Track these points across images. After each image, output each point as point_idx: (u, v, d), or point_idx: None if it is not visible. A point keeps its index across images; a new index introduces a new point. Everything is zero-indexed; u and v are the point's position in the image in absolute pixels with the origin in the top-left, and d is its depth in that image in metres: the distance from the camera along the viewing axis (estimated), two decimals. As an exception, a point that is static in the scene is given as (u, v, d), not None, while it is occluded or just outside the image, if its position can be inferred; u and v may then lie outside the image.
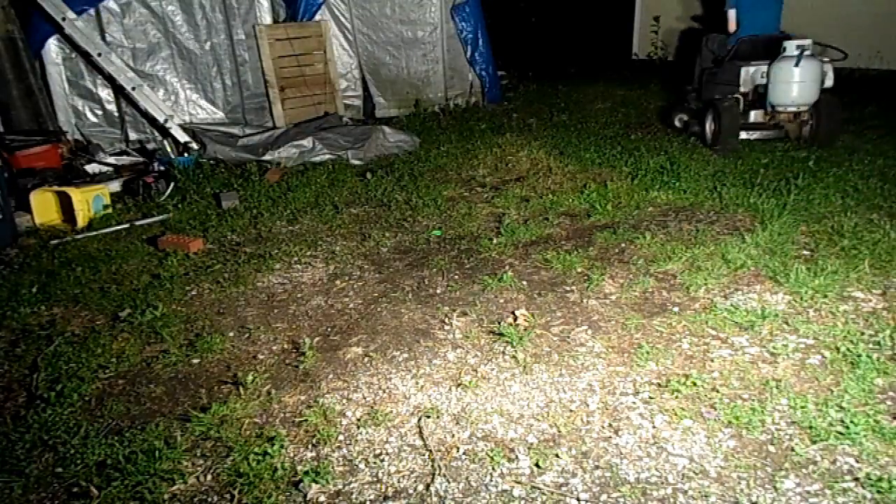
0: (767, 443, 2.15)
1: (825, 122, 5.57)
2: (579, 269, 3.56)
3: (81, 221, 4.70)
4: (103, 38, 6.40)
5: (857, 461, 2.04)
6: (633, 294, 3.24)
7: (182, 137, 6.33)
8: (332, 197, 5.09)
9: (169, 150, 6.36)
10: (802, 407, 2.28)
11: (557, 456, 2.15)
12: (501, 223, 4.31)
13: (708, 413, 2.31)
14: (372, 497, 2.04)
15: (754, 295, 3.14)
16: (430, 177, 5.55)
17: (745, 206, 4.27)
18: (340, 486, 2.08)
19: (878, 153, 5.30)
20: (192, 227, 4.60)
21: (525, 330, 2.93)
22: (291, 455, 2.23)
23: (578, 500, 1.97)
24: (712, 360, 2.63)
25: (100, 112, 6.62)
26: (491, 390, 2.53)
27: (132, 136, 6.76)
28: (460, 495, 2.01)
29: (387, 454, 2.22)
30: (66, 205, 4.83)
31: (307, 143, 6.18)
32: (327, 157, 6.11)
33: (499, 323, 3.01)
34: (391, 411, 2.44)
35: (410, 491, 2.05)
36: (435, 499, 2.01)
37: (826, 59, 5.58)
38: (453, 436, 2.29)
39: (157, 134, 6.66)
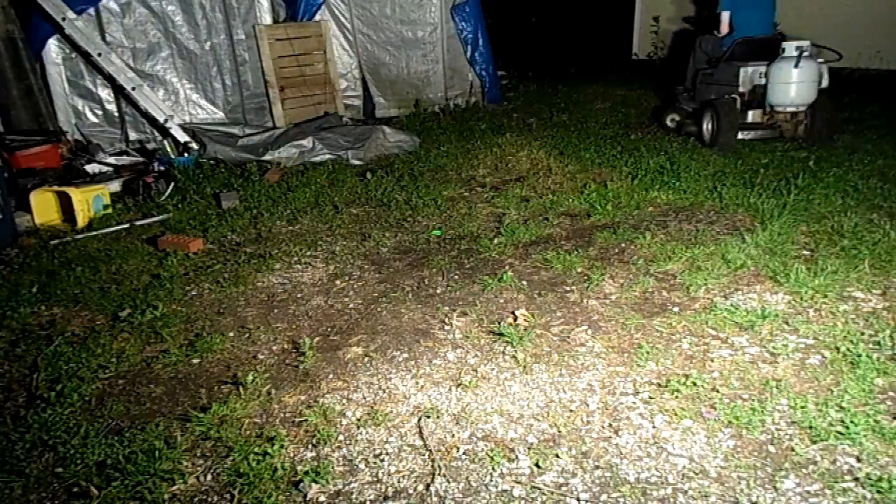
0: (767, 443, 2.15)
1: (820, 121, 5.66)
2: (579, 269, 3.56)
3: (81, 221, 4.70)
4: (103, 38, 6.40)
5: (858, 461, 2.04)
6: (633, 294, 3.24)
7: (182, 137, 6.33)
8: (332, 197, 5.09)
9: (169, 150, 6.36)
10: (802, 407, 2.28)
11: (557, 456, 2.15)
12: (501, 223, 4.31)
13: (708, 413, 2.31)
14: (372, 497, 2.04)
15: (754, 295, 3.14)
16: (430, 177, 5.55)
17: (745, 206, 4.27)
18: (340, 486, 2.08)
19: (878, 153, 5.30)
20: (192, 227, 4.60)
21: (525, 330, 2.93)
22: (291, 455, 2.23)
23: (578, 500, 1.97)
24: (712, 360, 2.63)
25: (100, 112, 6.62)
26: (491, 390, 2.53)
27: (132, 136, 6.77)
28: (460, 495, 2.01)
29: (387, 454, 2.22)
30: (66, 205, 4.83)
31: (307, 143, 6.18)
32: (327, 157, 6.11)
33: (499, 323, 3.01)
34: (391, 411, 2.44)
35: (410, 491, 2.05)
36: (435, 499, 2.01)
37: (822, 60, 5.65)
38: (453, 436, 2.28)
39: (157, 134, 6.67)
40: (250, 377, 2.65)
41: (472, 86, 8.78)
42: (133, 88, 6.30)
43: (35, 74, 6.14)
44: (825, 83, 5.62)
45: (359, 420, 2.39)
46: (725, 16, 6.28)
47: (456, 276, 3.60)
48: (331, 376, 2.69)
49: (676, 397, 2.40)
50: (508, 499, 1.98)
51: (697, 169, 5.15)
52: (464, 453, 2.19)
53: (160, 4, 6.68)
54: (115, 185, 5.50)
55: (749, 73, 5.79)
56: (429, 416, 2.38)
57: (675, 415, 2.31)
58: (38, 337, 3.15)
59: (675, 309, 3.07)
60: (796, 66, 5.34)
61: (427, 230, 4.34)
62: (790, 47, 5.41)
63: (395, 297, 3.39)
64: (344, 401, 2.52)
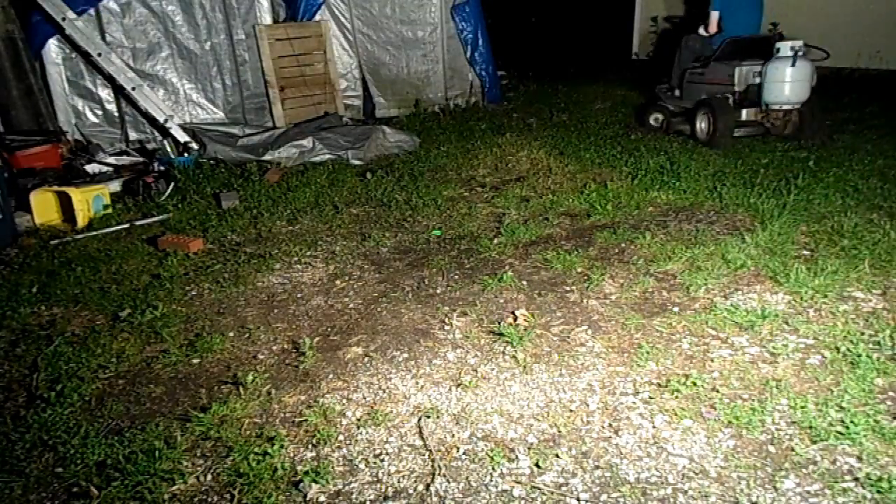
0: (767, 443, 2.15)
1: (810, 119, 5.79)
2: (579, 269, 3.56)
3: (81, 221, 4.70)
4: (103, 38, 6.40)
5: (858, 461, 2.04)
6: (633, 294, 3.24)
7: (182, 137, 6.33)
8: (332, 197, 5.10)
9: (169, 150, 6.36)
10: (802, 407, 2.28)
11: (557, 456, 2.15)
12: (501, 223, 4.31)
13: (708, 413, 2.31)
14: (372, 497, 2.04)
15: (754, 295, 3.14)
16: (430, 177, 5.55)
17: (745, 206, 4.27)
18: (340, 486, 2.08)
19: (878, 153, 5.30)
20: (192, 227, 4.60)
21: (525, 330, 2.93)
22: (291, 455, 2.23)
23: (578, 500, 1.97)
24: (712, 360, 2.63)
25: (100, 112, 6.63)
26: (491, 390, 2.53)
27: (132, 136, 6.77)
28: (460, 495, 2.01)
29: (387, 454, 2.21)
30: (66, 205, 4.83)
31: (307, 143, 6.18)
32: (327, 157, 6.11)
33: (499, 323, 3.01)
34: (391, 411, 2.44)
35: (410, 491, 2.05)
36: (435, 499, 2.01)
37: (811, 59, 5.73)
38: (453, 436, 2.28)
39: (157, 134, 6.67)
40: (250, 377, 2.65)
41: (472, 86, 8.78)
42: (133, 88, 6.30)
43: (35, 74, 6.14)
44: (814, 82, 5.73)
45: (359, 420, 2.39)
46: (715, 15, 6.34)
47: (456, 276, 3.60)
48: (331, 376, 2.69)
49: (676, 397, 2.40)
50: (508, 499, 1.98)
51: (697, 169, 5.15)
52: (464, 453, 2.19)
53: (160, 4, 6.68)
54: (115, 185, 5.50)
55: (744, 73, 5.86)
56: (429, 416, 2.38)
57: (675, 415, 2.31)
58: (38, 337, 3.15)
59: (675, 309, 3.07)
60: (792, 65, 5.43)
61: (427, 230, 4.34)
62: (785, 47, 5.50)
63: (395, 297, 3.39)
64: (344, 401, 2.52)
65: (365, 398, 2.54)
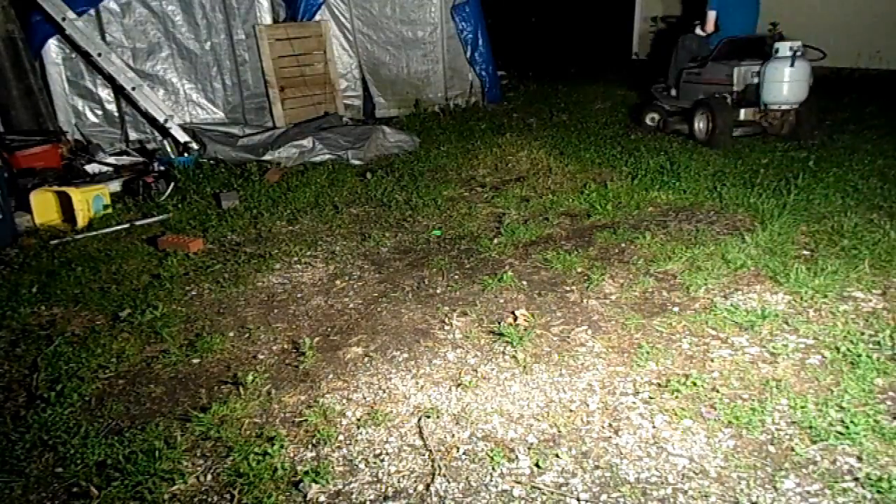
0: (767, 443, 2.15)
1: (806, 119, 5.86)
2: (579, 269, 3.56)
3: (81, 221, 4.70)
4: (103, 38, 6.41)
5: (858, 461, 2.04)
6: (633, 294, 3.24)
7: (182, 137, 6.33)
8: (332, 197, 5.10)
9: (169, 150, 6.36)
10: (802, 407, 2.28)
11: (557, 456, 2.15)
12: (501, 223, 4.31)
13: (708, 413, 2.31)
14: (372, 497, 2.04)
15: (754, 295, 3.14)
16: (430, 177, 5.55)
17: (745, 206, 4.27)
18: (340, 486, 2.08)
19: (878, 153, 5.30)
20: (192, 227, 4.60)
21: (525, 330, 2.93)
22: (291, 455, 2.23)
23: (578, 500, 1.97)
24: (712, 360, 2.63)
25: (100, 112, 6.63)
26: (491, 390, 2.53)
27: (132, 136, 6.77)
28: (460, 495, 2.01)
29: (387, 454, 2.22)
30: (66, 205, 4.83)
31: (307, 143, 6.18)
32: (327, 157, 6.11)
33: (499, 323, 3.01)
34: (391, 411, 2.44)
35: (410, 491, 2.05)
36: (435, 499, 2.01)
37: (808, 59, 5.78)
38: (453, 436, 2.29)
39: (157, 134, 6.67)
40: (250, 377, 2.65)
41: (472, 86, 8.78)
42: (133, 88, 6.30)
43: (35, 74, 6.14)
44: (811, 81, 5.77)
45: (359, 420, 2.39)
46: (712, 14, 6.36)
47: (456, 276, 3.60)
48: (331, 376, 2.69)
49: (676, 397, 2.40)
50: (508, 499, 1.98)
51: (697, 169, 5.15)
52: (464, 453, 2.19)
53: (160, 4, 6.68)
54: (115, 185, 5.50)
55: (742, 72, 5.90)
56: (429, 416, 2.38)
57: (675, 415, 2.31)
58: (38, 337, 3.15)
59: (675, 309, 3.07)
60: (791, 65, 5.47)
61: (427, 230, 4.34)
62: (784, 47, 5.54)
63: (395, 297, 3.39)
64: (344, 401, 2.52)
65: (365, 398, 2.54)
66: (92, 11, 6.34)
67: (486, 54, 8.67)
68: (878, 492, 1.91)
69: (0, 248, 4.36)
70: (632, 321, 2.95)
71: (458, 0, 8.37)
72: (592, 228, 4.18)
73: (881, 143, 5.62)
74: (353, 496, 2.04)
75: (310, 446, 2.27)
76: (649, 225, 4.11)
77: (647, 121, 6.90)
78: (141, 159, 6.22)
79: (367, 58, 8.19)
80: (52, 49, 6.26)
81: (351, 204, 4.97)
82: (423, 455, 2.20)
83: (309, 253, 4.04)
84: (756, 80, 5.74)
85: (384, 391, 2.57)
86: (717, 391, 2.42)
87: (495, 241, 4.03)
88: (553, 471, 2.09)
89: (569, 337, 2.89)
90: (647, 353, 2.68)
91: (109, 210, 4.98)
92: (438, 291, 3.43)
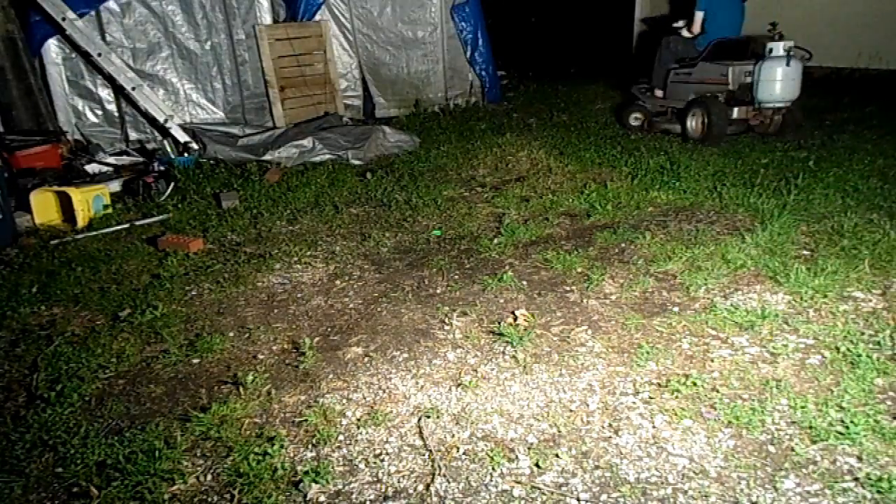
0: (767, 443, 2.15)
1: (792, 116, 6.01)
2: (579, 269, 3.56)
3: (81, 221, 4.70)
4: (103, 38, 6.41)
5: (858, 461, 2.04)
6: (633, 294, 3.24)
7: (182, 137, 6.33)
8: (332, 197, 5.10)
9: (169, 150, 6.36)
10: (802, 407, 2.28)
11: (557, 456, 2.15)
12: (501, 223, 4.31)
13: (708, 413, 2.31)
14: (372, 497, 2.04)
15: (754, 295, 3.14)
16: (430, 177, 5.55)
17: (745, 206, 4.27)
18: (340, 486, 2.08)
19: (878, 153, 5.30)
20: (192, 227, 4.60)
21: (525, 330, 2.93)
22: (291, 455, 2.23)
23: (578, 500, 1.97)
24: (712, 360, 2.63)
25: (100, 112, 6.63)
26: (491, 390, 2.53)
27: (132, 136, 6.77)
28: (460, 495, 2.01)
29: (387, 454, 2.22)
30: (66, 205, 4.83)
31: (307, 143, 6.18)
32: (327, 157, 6.11)
33: (499, 323, 3.01)
34: (391, 411, 2.44)
35: (410, 491, 2.05)
36: (435, 499, 2.01)
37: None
38: (453, 436, 2.29)
39: (157, 134, 6.67)
40: (250, 377, 2.65)
41: (472, 86, 8.78)
42: (133, 88, 6.30)
43: (35, 74, 6.14)
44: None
45: (359, 420, 2.39)
46: (699, 16, 6.45)
47: (456, 276, 3.60)
48: (331, 376, 2.69)
49: (676, 397, 2.40)
50: (508, 499, 1.98)
51: (697, 169, 5.15)
52: (464, 453, 2.19)
53: (160, 4, 6.68)
54: (115, 185, 5.50)
55: (737, 72, 5.98)
56: (429, 416, 2.38)
57: (675, 415, 2.31)
58: (38, 337, 3.15)
59: (675, 309, 3.07)
60: (787, 64, 5.59)
61: (427, 230, 4.34)
62: (778, 47, 5.66)
63: (395, 297, 3.39)
64: (344, 401, 2.52)
65: (365, 398, 2.54)
66: (92, 13, 6.33)
67: (486, 54, 8.67)
68: (878, 492, 1.91)
69: (0, 248, 4.36)
70: (632, 321, 2.95)
71: (458, 0, 8.37)
72: (592, 228, 4.18)
73: (881, 143, 5.62)
74: (353, 496, 2.04)
75: (310, 446, 2.27)
76: (649, 225, 4.11)
77: (631, 121, 6.99)
78: (141, 159, 6.22)
79: (367, 58, 8.19)
80: (52, 49, 6.26)
81: (351, 204, 4.97)
82: (423, 455, 2.20)
83: (309, 253, 4.04)
84: (749, 80, 5.86)
85: (384, 391, 2.57)
86: (717, 391, 2.42)
87: (495, 241, 4.03)
88: (553, 471, 2.09)
89: (569, 337, 2.89)
90: (647, 353, 2.68)
91: (109, 210, 4.98)
92: (438, 291, 3.43)
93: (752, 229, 3.86)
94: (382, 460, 2.18)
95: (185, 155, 6.17)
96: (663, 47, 6.74)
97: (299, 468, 2.15)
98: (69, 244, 4.37)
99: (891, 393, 2.36)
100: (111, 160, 6.12)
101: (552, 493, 2.00)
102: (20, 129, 5.94)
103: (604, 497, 1.98)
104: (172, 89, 6.89)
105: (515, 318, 3.05)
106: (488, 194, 5.02)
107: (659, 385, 2.48)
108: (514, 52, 11.49)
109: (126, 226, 4.67)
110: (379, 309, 3.27)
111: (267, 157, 6.08)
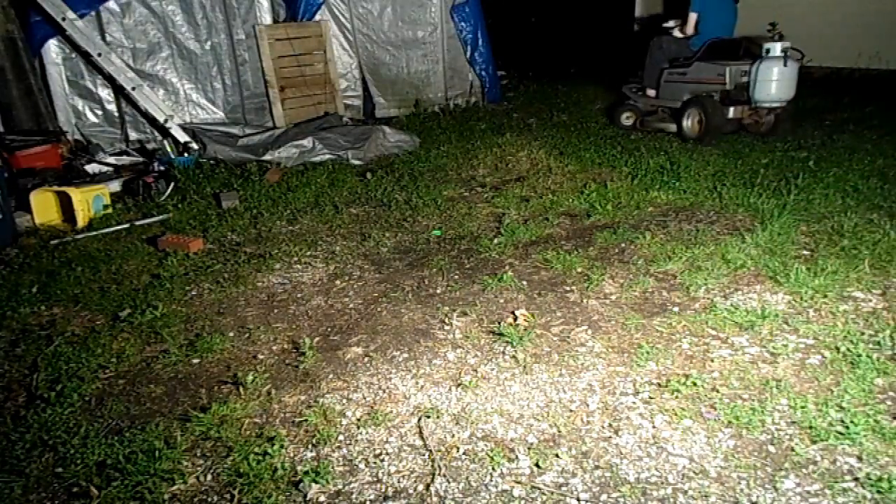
0: (767, 443, 2.15)
1: (785, 116, 6.08)
2: (579, 269, 3.56)
3: (81, 221, 4.70)
4: (103, 38, 6.40)
5: (858, 461, 2.04)
6: (633, 294, 3.24)
7: (182, 137, 6.33)
8: (332, 197, 5.10)
9: (169, 150, 6.36)
10: (802, 407, 2.28)
11: (557, 456, 2.15)
12: (501, 223, 4.31)
13: (708, 413, 2.31)
14: (372, 497, 2.04)
15: (754, 295, 3.14)
16: (430, 177, 5.55)
17: (745, 206, 4.27)
18: (340, 486, 2.08)
19: (878, 153, 5.30)
20: (192, 227, 4.60)
21: (525, 330, 2.93)
22: (291, 455, 2.23)
23: (578, 500, 1.97)
24: (712, 360, 2.63)
25: (100, 112, 6.63)
26: (491, 390, 2.53)
27: (132, 136, 6.77)
28: (460, 495, 2.01)
29: (387, 454, 2.22)
30: (66, 205, 4.83)
31: (307, 143, 6.18)
32: (327, 157, 6.11)
33: (499, 323, 3.01)
34: (391, 411, 2.44)
35: (410, 491, 2.05)
36: (435, 499, 2.01)
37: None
38: (453, 436, 2.29)
39: (157, 134, 6.67)
40: (250, 377, 2.65)
41: (472, 86, 8.78)
42: (133, 88, 6.30)
43: (35, 74, 6.14)
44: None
45: (359, 420, 2.39)
46: (693, 17, 6.48)
47: (456, 276, 3.60)
48: (331, 376, 2.69)
49: (676, 397, 2.40)
50: (508, 499, 1.99)
51: (697, 169, 5.15)
52: (464, 453, 2.19)
53: (160, 4, 6.68)
54: (115, 185, 5.50)
55: (734, 72, 6.02)
56: (429, 416, 2.38)
57: (675, 415, 2.31)
58: (38, 337, 3.15)
59: (675, 309, 3.07)
60: (784, 65, 5.66)
61: (427, 230, 4.34)
62: (775, 48, 5.73)
63: (395, 297, 3.39)
64: (344, 401, 2.52)
65: (365, 398, 2.54)
66: (92, 13, 6.33)
67: (486, 54, 8.67)
68: (878, 492, 1.91)
69: (0, 248, 4.36)
70: (632, 321, 2.95)
71: (457, 0, 8.37)
72: (592, 228, 4.18)
73: (881, 143, 5.62)
74: (353, 496, 2.04)
75: (310, 446, 2.27)
76: (649, 225, 4.11)
77: (623, 120, 7.05)
78: (141, 159, 6.22)
79: (367, 58, 8.19)
80: (52, 49, 6.26)
81: (351, 204, 4.97)
82: (423, 455, 2.20)
83: (309, 253, 4.04)
84: (745, 80, 5.90)
85: (384, 391, 2.57)
86: (717, 391, 2.42)
87: (495, 241, 4.03)
88: (553, 471, 2.09)
89: (569, 337, 2.89)
90: (647, 353, 2.68)
91: (109, 210, 4.98)
92: (438, 291, 3.43)
93: (752, 229, 3.86)
94: (382, 460, 2.18)
95: (185, 155, 6.17)
96: (655, 47, 6.77)
97: (299, 468, 2.15)
98: (69, 244, 4.37)
99: (891, 393, 2.36)
100: (111, 160, 6.12)
101: (552, 493, 2.00)
102: (20, 129, 5.94)
103: (604, 497, 1.98)
104: (172, 89, 6.89)
105: (515, 318, 3.05)
106: (488, 194, 5.02)
107: (659, 385, 2.48)
108: (514, 52, 11.49)
109: (126, 226, 4.66)
110: (379, 309, 3.27)
111: (267, 157, 6.08)
